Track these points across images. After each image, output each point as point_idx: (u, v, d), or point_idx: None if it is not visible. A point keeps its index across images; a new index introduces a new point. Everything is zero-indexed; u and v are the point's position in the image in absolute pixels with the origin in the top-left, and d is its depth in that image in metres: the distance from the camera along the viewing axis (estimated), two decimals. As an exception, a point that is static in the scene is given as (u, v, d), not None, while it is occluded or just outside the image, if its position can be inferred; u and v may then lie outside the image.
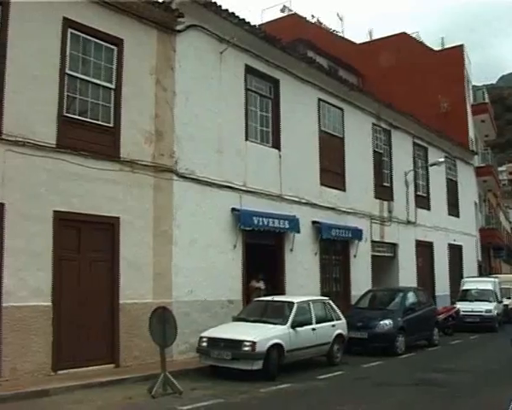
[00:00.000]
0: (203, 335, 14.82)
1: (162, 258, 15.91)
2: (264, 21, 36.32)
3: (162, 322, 12.46)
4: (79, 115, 14.48)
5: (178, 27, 16.91)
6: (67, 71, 14.19)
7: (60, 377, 13.14)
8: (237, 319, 15.96)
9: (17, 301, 12.80)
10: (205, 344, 14.61)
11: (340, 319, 17.07)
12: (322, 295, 20.20)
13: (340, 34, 42.08)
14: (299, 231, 20.52)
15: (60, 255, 13.64)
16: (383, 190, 26.69)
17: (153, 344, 12.93)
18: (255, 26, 20.01)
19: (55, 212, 13.59)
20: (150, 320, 12.68)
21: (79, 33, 14.52)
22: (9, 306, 12.67)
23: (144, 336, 13.88)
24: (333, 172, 23.31)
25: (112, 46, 15.26)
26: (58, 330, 13.46)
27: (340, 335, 16.71)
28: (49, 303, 13.37)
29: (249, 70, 19.55)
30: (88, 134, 14.45)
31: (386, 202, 26.63)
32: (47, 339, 13.29)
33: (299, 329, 15.08)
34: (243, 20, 18.67)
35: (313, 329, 15.66)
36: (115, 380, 13.24)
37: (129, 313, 14.86)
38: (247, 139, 19.21)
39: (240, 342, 14.02)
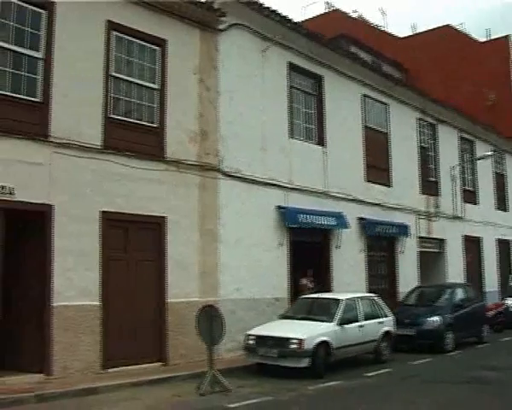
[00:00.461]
0: (250, 333, 14.85)
1: (208, 256, 15.98)
2: (306, 18, 36.16)
3: (209, 320, 12.54)
4: (124, 116, 14.66)
5: (221, 27, 16.94)
6: (112, 73, 14.38)
7: (109, 375, 13.30)
8: (284, 316, 15.94)
9: (66, 301, 13.01)
10: (252, 342, 14.63)
11: (387, 315, 16.90)
12: (369, 292, 20.01)
13: (383, 29, 41.64)
14: (347, 227, 20.38)
15: (107, 255, 13.82)
16: (429, 185, 26.33)
17: (200, 342, 13.00)
18: (298, 23, 19.94)
19: (102, 212, 13.78)
20: (197, 319, 12.75)
21: (123, 35, 14.71)
22: (59, 305, 12.90)
23: (191, 335, 13.97)
24: (378, 167, 23.09)
25: (155, 47, 15.39)
26: (106, 329, 13.62)
27: (387, 332, 16.54)
28: (98, 303, 13.56)
29: (292, 67, 19.50)
30: (133, 135, 14.60)
31: (432, 198, 26.26)
32: (96, 338, 13.47)
33: (346, 326, 14.98)
34: (286, 17, 18.60)
35: (360, 326, 15.54)
36: (163, 378, 13.35)
37: (176, 312, 14.96)
38: (291, 137, 19.16)
39: (287, 340, 13.99)
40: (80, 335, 13.18)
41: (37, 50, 13.13)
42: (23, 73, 12.94)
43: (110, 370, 13.57)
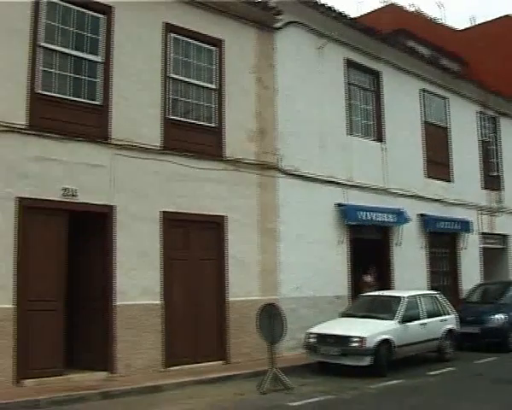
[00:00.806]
0: (311, 331, 14.79)
1: (268, 255, 16.00)
2: (361, 13, 35.82)
3: (270, 319, 12.53)
4: (183, 117, 14.79)
5: (277, 25, 16.93)
6: (170, 74, 14.53)
7: (171, 373, 13.45)
8: (345, 314, 15.82)
9: (129, 300, 13.23)
10: (313, 340, 14.57)
11: (450, 313, 16.61)
12: (431, 289, 19.69)
13: (441, 21, 40.94)
14: (407, 222, 20.11)
15: (169, 255, 13.99)
16: (491, 180, 25.73)
17: (261, 341, 13.02)
18: (354, 18, 19.78)
19: (162, 212, 13.95)
20: (258, 317, 12.76)
21: (180, 37, 14.86)
22: (122, 304, 13.12)
23: (252, 333, 14.01)
24: (438, 163, 22.69)
25: (212, 47, 15.48)
26: (169, 327, 13.79)
27: (450, 330, 16.24)
28: (160, 301, 13.74)
29: (350, 63, 19.34)
30: (192, 135, 14.74)
31: (494, 192, 25.66)
32: (158, 336, 13.65)
33: (408, 324, 14.76)
34: (342, 13, 18.46)
35: (422, 324, 15.29)
36: (225, 376, 13.42)
37: (237, 311, 15.03)
38: (349, 133, 19.02)
39: (348, 338, 13.88)
40: (143, 333, 13.38)
41: (97, 54, 13.38)
42: (83, 78, 13.20)
43: (172, 368, 13.72)
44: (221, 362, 14.72)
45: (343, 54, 19.08)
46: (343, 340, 13.95)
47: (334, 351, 13.96)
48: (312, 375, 13.94)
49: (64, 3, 12.94)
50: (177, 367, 13.77)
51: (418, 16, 38.78)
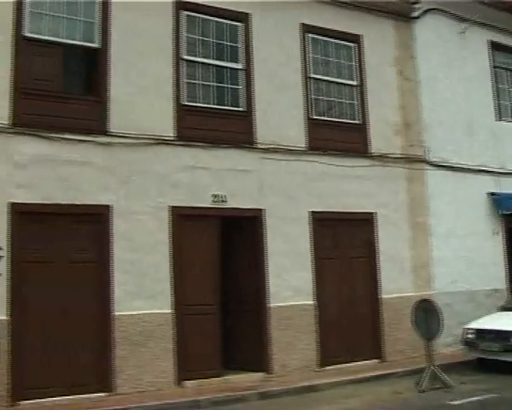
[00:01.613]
0: (469, 326, 14.27)
1: (420, 250, 15.66)
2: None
3: (426, 315, 12.24)
4: (325, 116, 14.82)
5: (415, 14, 16.54)
6: (310, 74, 14.59)
7: (326, 372, 13.48)
8: (504, 308, 15.09)
9: (282, 301, 13.42)
10: (471, 336, 14.06)
11: None
12: None
13: None
14: None
15: (319, 255, 14.04)
16: None
17: (416, 337, 12.75)
18: (496, -3, 18.93)
19: (311, 212, 14.04)
20: (413, 313, 12.50)
21: (318, 36, 14.87)
22: (275, 306, 13.33)
23: (407, 330, 13.79)
24: None
25: (350, 44, 15.39)
26: (322, 327, 13.84)
27: None
28: (312, 302, 13.81)
29: (494, 46, 18.48)
30: (336, 133, 14.71)
31: None
32: (312, 336, 13.73)
33: None
34: (483, -7, 17.76)
35: None
36: (381, 375, 13.27)
37: (390, 308, 14.82)
38: (499, 119, 18.21)
39: (509, 333, 13.29)
40: (297, 334, 13.51)
41: (238, 62, 13.68)
42: (226, 86, 13.55)
43: (327, 367, 13.74)
44: (376, 360, 14.57)
45: (486, 36, 18.26)
46: (504, 335, 13.33)
47: (495, 347, 13.38)
48: (472, 372, 13.43)
49: (203, 16, 13.37)
50: (332, 367, 13.78)
51: None
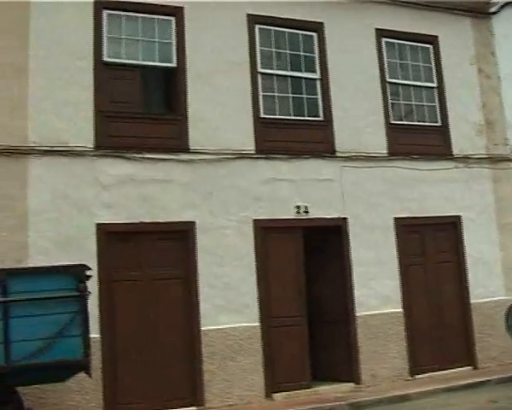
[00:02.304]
0: None
1: (510, 252, 15.17)
2: None
3: (521, 319, 11.88)
4: (405, 120, 14.65)
5: (492, 9, 16.14)
6: (388, 79, 14.45)
7: (417, 381, 13.23)
8: None
9: (369, 310, 13.27)
10: None
11: None
12: None
13: None
14: None
15: (405, 262, 13.83)
16: None
17: (510, 343, 12.42)
18: None
19: (395, 219, 13.86)
20: (507, 318, 12.12)
21: (393, 40, 14.73)
22: (363, 315, 13.19)
23: (500, 336, 13.44)
24: None
25: (427, 45, 15.16)
26: (411, 335, 13.60)
27: None
28: (400, 309, 13.61)
29: None
30: (416, 137, 14.48)
31: None
32: (401, 345, 13.50)
33: None
34: None
35: None
36: (475, 383, 12.86)
37: (481, 313, 14.43)
38: None
39: None
40: (386, 343, 13.32)
41: (314, 71, 13.68)
42: (303, 96, 13.55)
43: (418, 376, 13.49)
44: (469, 368, 14.20)
45: None
46: None
47: None
48: None
49: (276, 28, 13.47)
50: (424, 375, 13.51)
51: None
